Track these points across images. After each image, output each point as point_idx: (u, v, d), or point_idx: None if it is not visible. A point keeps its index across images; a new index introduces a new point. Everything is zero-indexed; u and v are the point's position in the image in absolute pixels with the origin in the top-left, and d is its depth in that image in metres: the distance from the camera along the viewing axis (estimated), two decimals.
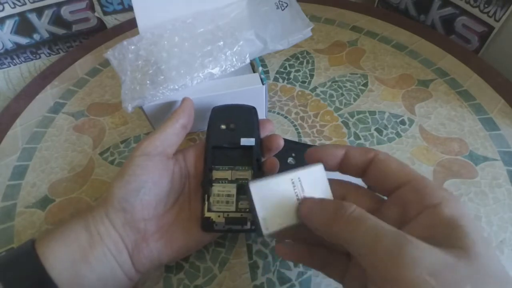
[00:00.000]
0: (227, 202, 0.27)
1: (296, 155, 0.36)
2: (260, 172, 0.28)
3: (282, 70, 0.47)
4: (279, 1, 0.38)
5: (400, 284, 0.15)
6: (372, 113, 0.41)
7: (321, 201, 0.21)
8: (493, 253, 0.17)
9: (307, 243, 0.24)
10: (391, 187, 0.20)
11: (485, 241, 0.17)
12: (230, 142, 0.29)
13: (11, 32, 0.52)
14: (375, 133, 0.39)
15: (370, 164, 0.21)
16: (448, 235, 0.17)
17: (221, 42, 0.34)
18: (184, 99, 0.30)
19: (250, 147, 0.28)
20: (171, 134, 0.28)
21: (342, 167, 0.22)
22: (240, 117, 0.30)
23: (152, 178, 0.26)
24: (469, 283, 0.15)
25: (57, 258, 0.22)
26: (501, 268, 0.16)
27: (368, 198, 0.22)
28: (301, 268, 0.29)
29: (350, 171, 0.22)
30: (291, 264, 0.29)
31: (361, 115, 0.41)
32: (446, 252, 0.16)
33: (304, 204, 0.21)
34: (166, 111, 0.34)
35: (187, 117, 0.29)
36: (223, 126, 0.29)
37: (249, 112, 0.30)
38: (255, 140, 0.28)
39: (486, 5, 0.46)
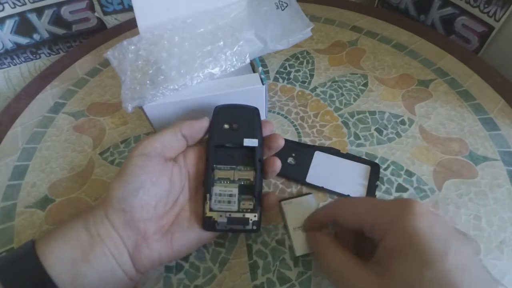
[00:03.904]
0: (229, 202, 0.27)
1: (296, 155, 0.36)
2: (262, 173, 0.28)
3: (282, 70, 0.47)
4: (279, 1, 0.38)
5: None
6: (372, 113, 0.41)
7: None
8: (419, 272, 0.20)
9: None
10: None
11: (415, 259, 0.20)
12: (233, 142, 0.28)
13: (11, 32, 0.52)
14: (375, 133, 0.39)
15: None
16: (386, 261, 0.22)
17: (221, 42, 0.34)
18: (202, 119, 0.29)
19: (253, 147, 0.28)
20: (172, 139, 0.27)
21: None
22: (243, 117, 0.29)
23: (151, 178, 0.26)
24: None
25: (57, 258, 0.22)
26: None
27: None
28: (301, 268, 0.29)
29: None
30: (291, 264, 0.29)
31: (361, 115, 0.41)
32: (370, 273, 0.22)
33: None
34: (166, 111, 0.34)
35: (189, 129, 0.28)
36: (226, 126, 0.29)
37: (252, 113, 0.30)
38: (258, 141, 0.28)
39: (486, 5, 0.46)
